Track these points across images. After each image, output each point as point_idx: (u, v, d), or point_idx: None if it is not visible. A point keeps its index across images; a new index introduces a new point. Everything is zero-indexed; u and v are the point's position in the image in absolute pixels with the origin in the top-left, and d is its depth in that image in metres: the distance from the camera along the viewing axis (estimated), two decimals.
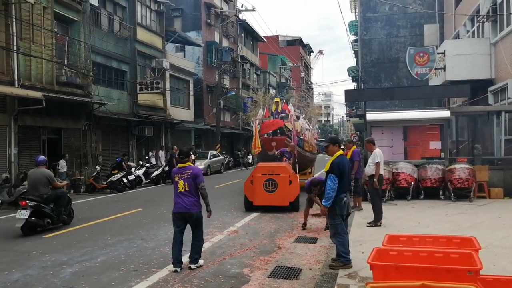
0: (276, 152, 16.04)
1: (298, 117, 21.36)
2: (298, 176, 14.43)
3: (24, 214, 10.59)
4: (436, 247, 5.03)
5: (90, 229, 11.40)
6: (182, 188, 7.46)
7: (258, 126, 17.01)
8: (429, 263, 4.45)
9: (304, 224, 10.79)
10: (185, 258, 8.12)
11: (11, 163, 17.60)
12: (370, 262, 4.42)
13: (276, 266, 7.58)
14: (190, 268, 7.48)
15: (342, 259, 7.01)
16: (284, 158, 15.41)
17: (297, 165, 15.88)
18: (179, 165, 7.73)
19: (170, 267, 7.62)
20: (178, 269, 7.42)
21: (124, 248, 9.20)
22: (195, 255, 7.61)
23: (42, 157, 11.96)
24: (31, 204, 10.76)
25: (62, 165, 19.74)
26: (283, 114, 18.77)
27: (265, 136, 17.41)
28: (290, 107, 19.70)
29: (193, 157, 6.94)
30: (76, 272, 7.54)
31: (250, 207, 13.50)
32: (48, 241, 10.12)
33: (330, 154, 7.30)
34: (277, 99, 20.39)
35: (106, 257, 8.50)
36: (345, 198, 7.18)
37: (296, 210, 13.08)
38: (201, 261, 7.69)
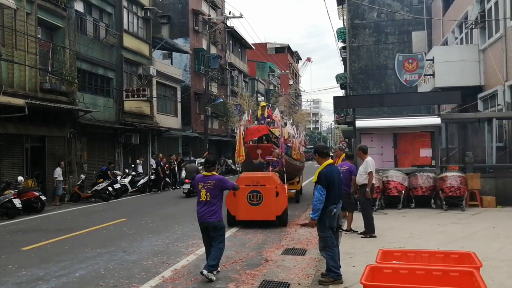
0: (262, 160, 15.11)
1: (285, 124, 20.78)
2: (286, 186, 13.50)
3: (187, 186, 20.63)
4: (433, 264, 4.70)
5: (71, 241, 10.97)
6: (204, 198, 7.36)
7: (243, 132, 15.72)
8: (427, 282, 4.13)
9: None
10: (168, 273, 7.80)
11: None
12: (364, 283, 4.08)
13: (263, 280, 7.22)
14: (202, 273, 7.20)
15: (332, 274, 6.68)
16: (270, 167, 14.47)
17: (285, 175, 14.64)
18: (203, 173, 7.56)
19: (152, 282, 7.28)
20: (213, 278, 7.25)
21: (105, 261, 8.79)
22: (211, 262, 7.29)
23: (193, 158, 26.12)
24: (190, 182, 19.80)
25: (59, 173, 19.26)
26: (269, 119, 17.71)
27: (250, 143, 16.25)
28: (276, 112, 18.73)
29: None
30: None
31: (232, 222, 12.31)
32: (26, 254, 9.69)
33: (318, 164, 7.04)
34: (263, 104, 19.12)
35: (85, 271, 8.09)
36: (335, 210, 6.85)
37: (283, 225, 12.08)
38: (212, 277, 7.23)
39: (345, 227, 11.10)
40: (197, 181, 7.53)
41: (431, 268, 4.31)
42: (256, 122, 17.73)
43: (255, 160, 15.52)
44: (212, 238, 7.43)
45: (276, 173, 13.67)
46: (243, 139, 15.42)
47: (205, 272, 7.17)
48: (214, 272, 7.33)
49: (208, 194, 7.32)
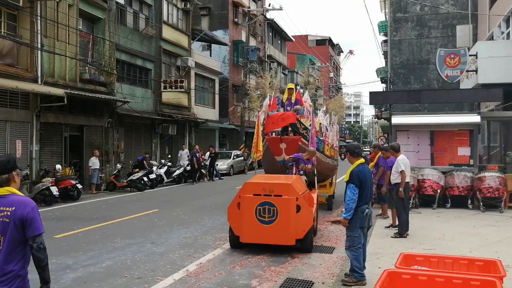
0: (287, 158, 11.81)
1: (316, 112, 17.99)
2: (315, 193, 10.60)
3: None
4: (455, 272, 4.52)
5: (102, 230, 11.16)
6: None
7: (262, 121, 12.41)
8: None
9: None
10: (193, 266, 7.83)
11: (32, 159, 17.57)
12: None
13: (287, 278, 7.14)
14: None
15: (356, 274, 6.54)
16: (294, 169, 11.43)
17: (315, 177, 11.96)
18: None
19: (175, 276, 7.30)
20: None
21: (132, 252, 8.89)
22: None
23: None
24: None
25: (94, 161, 19.61)
26: (298, 106, 13.67)
27: (271, 135, 12.79)
28: (306, 96, 15.22)
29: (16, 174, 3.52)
30: (78, 278, 7.26)
31: (236, 244, 9.02)
32: (58, 242, 9.89)
33: (350, 163, 6.94)
34: (290, 85, 14.81)
35: (112, 262, 8.20)
36: (367, 210, 6.72)
37: (307, 251, 8.72)
38: None
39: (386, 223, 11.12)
40: None
41: (452, 276, 4.13)
42: (281, 109, 13.81)
43: (278, 156, 12.24)
44: None
45: (302, 177, 11.00)
46: (263, 130, 12.34)
47: None
48: None
49: None
